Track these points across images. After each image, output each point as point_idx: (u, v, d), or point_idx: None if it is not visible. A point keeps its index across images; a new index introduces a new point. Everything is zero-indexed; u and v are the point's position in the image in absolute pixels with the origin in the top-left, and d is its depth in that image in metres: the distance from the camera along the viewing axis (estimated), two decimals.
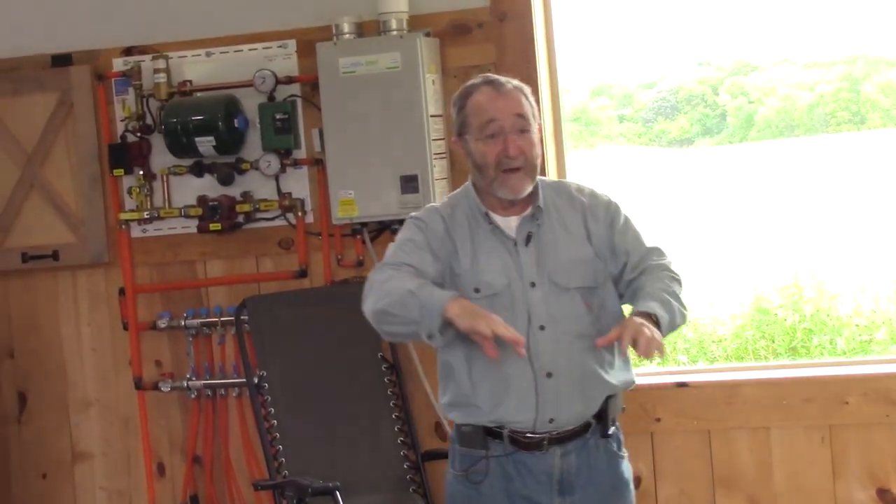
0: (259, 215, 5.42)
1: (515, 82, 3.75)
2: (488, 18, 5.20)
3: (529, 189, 3.71)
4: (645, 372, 5.87)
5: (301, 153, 5.36)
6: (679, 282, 3.77)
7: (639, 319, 3.53)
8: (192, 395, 5.52)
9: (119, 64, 5.53)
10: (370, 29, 5.18)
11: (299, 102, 5.34)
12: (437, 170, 5.06)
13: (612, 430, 3.77)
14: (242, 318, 5.15)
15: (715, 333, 7.58)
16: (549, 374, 3.63)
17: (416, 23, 5.16)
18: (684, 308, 3.75)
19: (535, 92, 5.13)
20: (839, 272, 7.89)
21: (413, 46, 5.04)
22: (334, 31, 5.17)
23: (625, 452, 3.84)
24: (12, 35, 5.66)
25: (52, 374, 5.74)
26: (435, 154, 5.06)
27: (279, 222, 5.42)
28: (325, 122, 5.17)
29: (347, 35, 5.16)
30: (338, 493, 4.53)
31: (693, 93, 8.75)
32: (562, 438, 3.69)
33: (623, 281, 3.77)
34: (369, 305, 3.61)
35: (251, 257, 5.49)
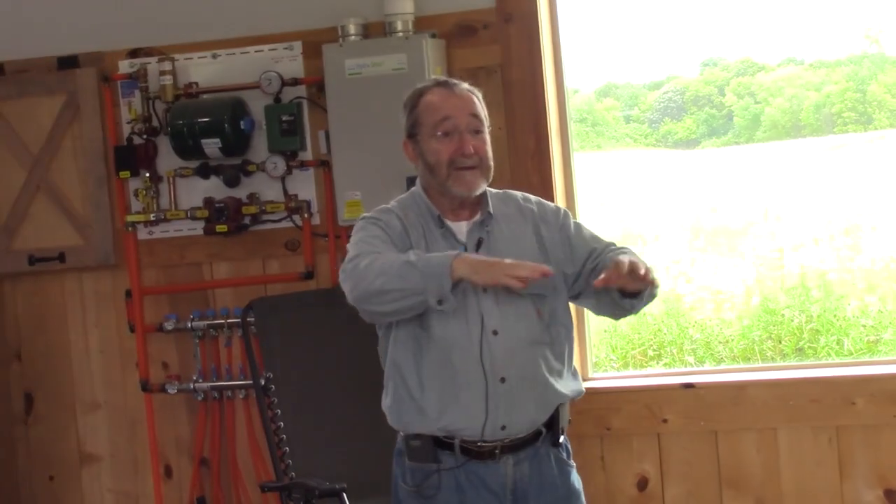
0: (265, 217, 5.43)
1: (467, 85, 3.73)
2: (494, 19, 5.20)
3: (482, 188, 3.68)
4: (651, 373, 5.88)
5: (307, 155, 5.36)
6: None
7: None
8: (199, 397, 5.53)
9: (125, 66, 5.54)
10: (376, 30, 5.18)
11: (305, 104, 5.34)
12: None
13: (562, 438, 3.74)
14: (249, 319, 5.15)
15: (721, 334, 7.56)
16: (502, 379, 3.59)
17: (422, 24, 5.16)
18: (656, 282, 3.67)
19: (541, 92, 5.16)
20: (846, 272, 7.87)
21: (419, 48, 5.04)
22: (340, 32, 5.18)
23: (573, 463, 3.81)
24: (19, 37, 5.67)
25: (59, 376, 5.75)
26: None
27: (285, 224, 5.42)
28: (331, 123, 5.18)
29: (353, 37, 5.16)
30: (344, 494, 4.53)
31: (699, 93, 8.74)
32: (514, 447, 3.66)
33: (584, 271, 3.71)
34: (361, 289, 3.52)
35: (257, 259, 5.50)
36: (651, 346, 7.42)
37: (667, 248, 8.25)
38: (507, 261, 3.43)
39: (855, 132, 8.53)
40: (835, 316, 7.48)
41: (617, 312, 3.75)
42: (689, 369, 6.46)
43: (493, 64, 5.19)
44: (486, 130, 3.68)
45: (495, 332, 3.60)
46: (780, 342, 7.41)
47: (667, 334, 7.56)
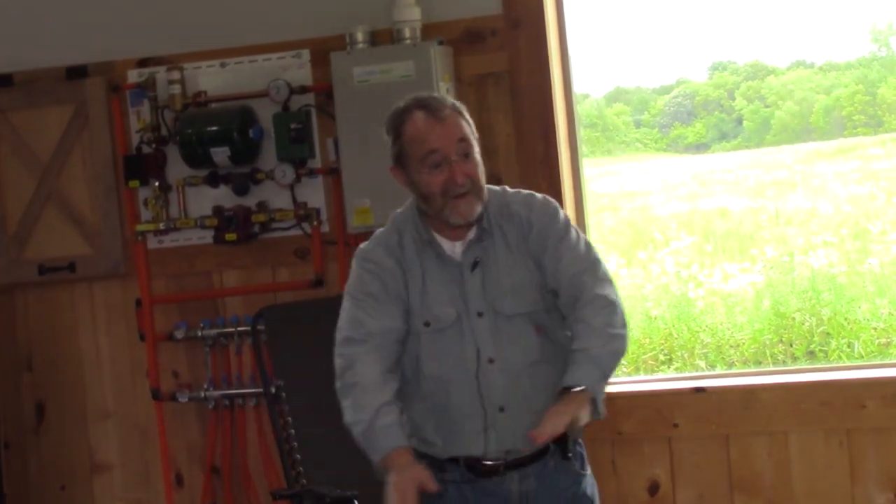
0: (275, 225, 5.43)
1: (450, 101, 3.59)
2: (501, 26, 5.20)
3: (480, 210, 3.56)
4: (662, 377, 5.87)
5: (316, 162, 5.36)
6: (613, 333, 3.51)
7: (561, 410, 3.43)
8: (210, 406, 5.53)
9: (134, 75, 5.55)
10: (384, 38, 5.19)
11: (314, 112, 5.35)
12: None
13: (571, 452, 3.61)
14: (259, 327, 5.15)
15: (732, 338, 7.56)
16: (501, 409, 3.54)
17: (430, 31, 5.17)
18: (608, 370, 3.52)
19: (550, 98, 5.16)
20: (856, 275, 7.86)
21: (426, 55, 5.04)
22: (348, 40, 5.18)
23: (588, 469, 3.74)
24: (28, 48, 5.68)
25: (70, 386, 5.76)
26: None
27: (295, 232, 5.42)
28: (340, 131, 5.18)
29: (361, 44, 5.16)
30: (356, 501, 4.53)
31: (709, 97, 8.74)
32: (520, 463, 3.61)
33: (561, 305, 3.60)
34: (347, 415, 3.66)
35: (267, 267, 5.50)
36: (662, 350, 7.42)
37: (677, 252, 8.25)
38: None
39: (865, 135, 8.53)
40: (845, 319, 7.47)
41: None
42: (700, 373, 6.47)
43: (501, 70, 5.19)
44: (476, 148, 3.55)
45: (491, 360, 3.54)
46: (791, 345, 7.40)
47: (677, 338, 7.55)
